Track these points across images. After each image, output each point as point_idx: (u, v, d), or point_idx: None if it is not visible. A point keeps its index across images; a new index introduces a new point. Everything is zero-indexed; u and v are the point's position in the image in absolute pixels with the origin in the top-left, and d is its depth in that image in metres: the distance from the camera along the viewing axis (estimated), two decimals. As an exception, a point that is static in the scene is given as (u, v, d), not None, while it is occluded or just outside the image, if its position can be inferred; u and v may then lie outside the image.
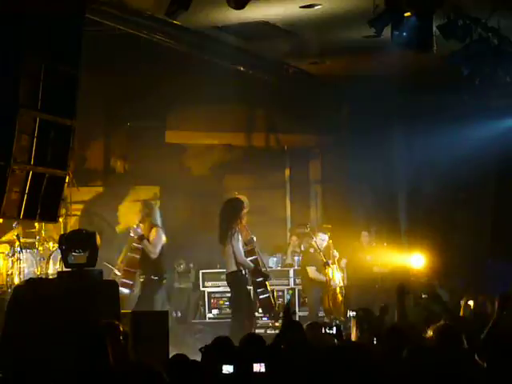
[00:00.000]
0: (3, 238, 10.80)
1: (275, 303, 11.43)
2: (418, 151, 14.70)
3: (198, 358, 5.69)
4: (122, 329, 5.94)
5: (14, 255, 10.37)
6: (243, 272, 10.86)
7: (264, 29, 10.86)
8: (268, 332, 12.06)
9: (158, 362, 5.19)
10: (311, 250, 12.48)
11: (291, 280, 13.17)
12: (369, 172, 14.39)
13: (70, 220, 12.06)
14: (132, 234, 10.94)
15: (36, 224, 10.63)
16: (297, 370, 5.54)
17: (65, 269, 7.99)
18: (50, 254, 10.76)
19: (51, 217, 9.02)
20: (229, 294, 11.84)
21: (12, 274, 10.31)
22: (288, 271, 13.26)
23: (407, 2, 8.85)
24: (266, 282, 11.20)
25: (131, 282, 10.80)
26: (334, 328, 7.23)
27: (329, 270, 12.11)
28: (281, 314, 10.77)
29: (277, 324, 11.87)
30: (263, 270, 11.25)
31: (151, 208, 11.10)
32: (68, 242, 7.85)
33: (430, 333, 6.08)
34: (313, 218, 15.45)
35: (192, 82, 12.15)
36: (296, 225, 14.29)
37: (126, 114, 13.86)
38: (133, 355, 6.06)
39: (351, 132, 14.54)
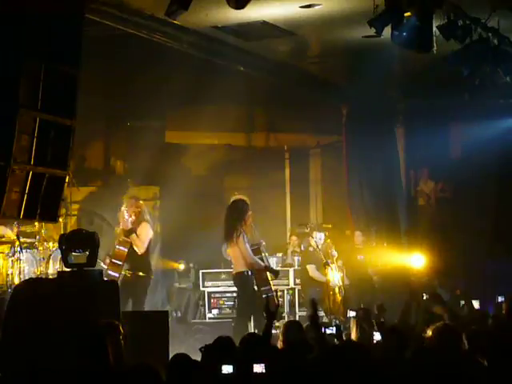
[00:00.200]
0: (3, 239, 10.79)
1: (278, 303, 11.42)
2: (417, 151, 14.71)
3: (198, 357, 5.69)
4: (121, 329, 5.94)
5: (14, 255, 10.35)
6: (249, 272, 10.85)
7: (264, 29, 10.85)
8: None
9: (158, 362, 5.19)
10: (311, 249, 12.49)
11: (291, 280, 13.18)
12: (369, 172, 14.39)
13: (70, 220, 12.05)
14: (121, 225, 10.91)
15: (36, 224, 10.62)
16: (297, 370, 5.53)
17: (65, 269, 7.99)
18: (50, 254, 10.74)
19: (51, 217, 9.00)
20: (229, 294, 11.82)
21: (12, 273, 10.29)
22: (288, 271, 13.26)
23: (407, 2, 8.85)
24: (271, 282, 11.19)
25: (117, 275, 10.72)
26: (334, 328, 7.21)
27: (328, 270, 12.12)
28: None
29: (277, 324, 11.85)
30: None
31: (140, 204, 11.07)
32: (68, 242, 7.84)
33: (429, 333, 6.09)
34: (313, 218, 15.46)
35: (192, 82, 12.14)
36: (296, 225, 14.29)
37: (126, 114, 13.87)
38: (133, 355, 6.05)
39: (351, 132, 14.52)
